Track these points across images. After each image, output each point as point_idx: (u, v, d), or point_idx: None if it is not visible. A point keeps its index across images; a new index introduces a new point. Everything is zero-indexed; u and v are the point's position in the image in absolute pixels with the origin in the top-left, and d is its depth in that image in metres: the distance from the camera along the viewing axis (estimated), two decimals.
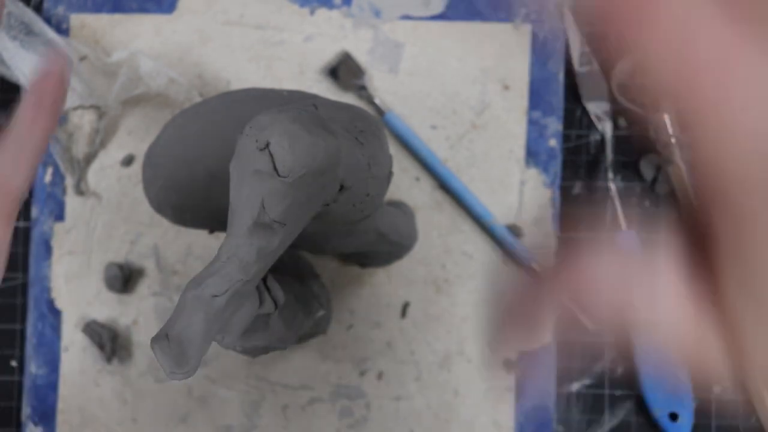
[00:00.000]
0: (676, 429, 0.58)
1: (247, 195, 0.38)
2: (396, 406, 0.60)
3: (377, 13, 0.61)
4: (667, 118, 0.58)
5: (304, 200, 0.39)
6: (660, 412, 0.58)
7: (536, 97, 0.60)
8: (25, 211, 0.62)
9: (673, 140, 0.58)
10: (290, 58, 0.61)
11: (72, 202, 0.61)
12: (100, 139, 0.61)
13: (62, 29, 0.62)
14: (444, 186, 0.60)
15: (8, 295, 0.62)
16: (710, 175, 0.22)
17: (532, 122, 0.60)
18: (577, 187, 0.61)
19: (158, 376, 0.60)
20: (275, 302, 0.43)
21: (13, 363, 0.62)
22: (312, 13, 0.61)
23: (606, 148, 0.60)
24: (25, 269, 0.62)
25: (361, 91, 0.60)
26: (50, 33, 0.59)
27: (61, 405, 0.61)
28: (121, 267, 0.60)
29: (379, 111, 0.60)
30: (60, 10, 0.62)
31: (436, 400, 0.59)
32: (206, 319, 0.37)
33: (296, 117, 0.39)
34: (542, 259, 0.47)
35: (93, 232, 0.61)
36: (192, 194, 0.48)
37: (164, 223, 0.61)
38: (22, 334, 0.62)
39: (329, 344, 0.60)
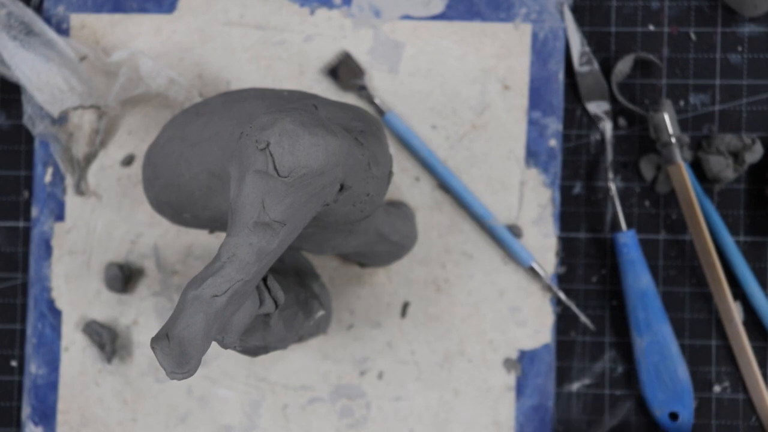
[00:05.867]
0: (676, 429, 0.58)
1: (248, 195, 0.38)
2: (396, 406, 0.60)
3: (377, 13, 0.61)
4: (667, 118, 0.58)
5: (304, 200, 0.39)
6: (660, 412, 0.58)
7: (536, 97, 0.60)
8: (25, 211, 0.62)
9: (673, 140, 0.58)
10: (290, 58, 0.61)
11: (72, 202, 0.61)
12: (100, 139, 0.61)
13: (62, 29, 0.62)
14: (444, 186, 0.60)
15: (8, 295, 0.62)
16: None
17: (532, 122, 0.60)
18: (577, 187, 0.61)
19: (158, 376, 0.61)
20: (275, 302, 0.43)
21: (13, 363, 0.62)
22: (312, 13, 0.61)
23: (606, 148, 0.60)
24: (25, 269, 0.62)
25: (361, 91, 0.60)
26: (50, 33, 0.59)
27: (61, 405, 0.61)
28: (121, 267, 0.60)
29: (379, 111, 0.60)
30: (60, 10, 0.62)
31: (436, 400, 0.59)
32: (206, 319, 0.37)
33: (296, 117, 0.39)
34: None
35: (93, 232, 0.61)
36: (192, 194, 0.48)
37: (164, 223, 0.61)
38: (22, 334, 0.62)
39: (329, 344, 0.60)
